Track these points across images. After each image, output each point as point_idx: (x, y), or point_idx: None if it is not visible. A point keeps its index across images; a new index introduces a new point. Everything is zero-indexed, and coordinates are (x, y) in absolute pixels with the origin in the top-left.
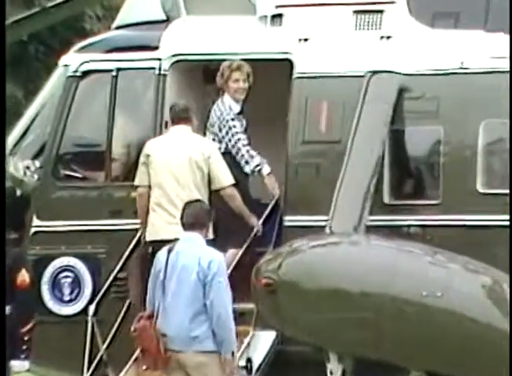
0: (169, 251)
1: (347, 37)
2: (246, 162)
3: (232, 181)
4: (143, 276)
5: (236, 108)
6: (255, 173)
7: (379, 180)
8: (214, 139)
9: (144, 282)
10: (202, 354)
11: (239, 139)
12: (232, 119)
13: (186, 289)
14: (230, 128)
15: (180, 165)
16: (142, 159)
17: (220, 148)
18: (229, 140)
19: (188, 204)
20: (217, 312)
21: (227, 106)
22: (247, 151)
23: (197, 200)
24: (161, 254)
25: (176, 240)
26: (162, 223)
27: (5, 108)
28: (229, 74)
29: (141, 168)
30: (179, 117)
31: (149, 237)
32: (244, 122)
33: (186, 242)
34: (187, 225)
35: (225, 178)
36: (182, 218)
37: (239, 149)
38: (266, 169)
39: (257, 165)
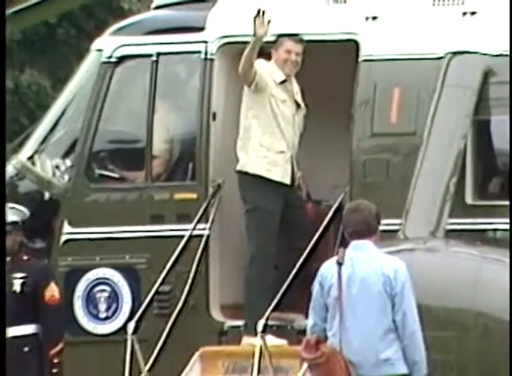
0: (339, 263)
1: (422, 13)
2: None
3: None
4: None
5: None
6: None
7: (460, 178)
8: None
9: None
10: None
11: None
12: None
13: (371, 304)
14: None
15: None
16: None
17: None
18: None
19: (353, 208)
20: (410, 328)
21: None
22: None
23: (362, 203)
24: (328, 268)
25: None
26: None
27: (5, 106)
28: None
29: None
30: None
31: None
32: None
33: (358, 251)
34: (356, 234)
35: None
36: (346, 225)
37: None
38: None
39: None
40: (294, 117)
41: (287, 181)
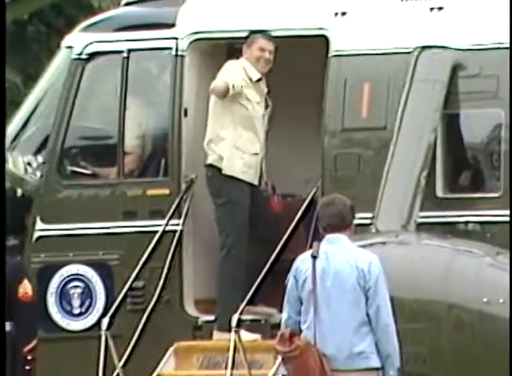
0: (314, 257)
1: (391, 9)
2: None
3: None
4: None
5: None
6: None
7: (430, 171)
8: None
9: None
10: (366, 372)
11: None
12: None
13: (345, 298)
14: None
15: None
16: None
17: None
18: None
19: (328, 202)
20: (384, 321)
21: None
22: None
23: (337, 197)
24: (303, 262)
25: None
26: None
27: (5, 105)
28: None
29: None
30: None
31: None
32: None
33: (333, 244)
34: (330, 227)
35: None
36: (321, 218)
37: None
38: None
39: None
40: (264, 116)
41: (256, 182)
